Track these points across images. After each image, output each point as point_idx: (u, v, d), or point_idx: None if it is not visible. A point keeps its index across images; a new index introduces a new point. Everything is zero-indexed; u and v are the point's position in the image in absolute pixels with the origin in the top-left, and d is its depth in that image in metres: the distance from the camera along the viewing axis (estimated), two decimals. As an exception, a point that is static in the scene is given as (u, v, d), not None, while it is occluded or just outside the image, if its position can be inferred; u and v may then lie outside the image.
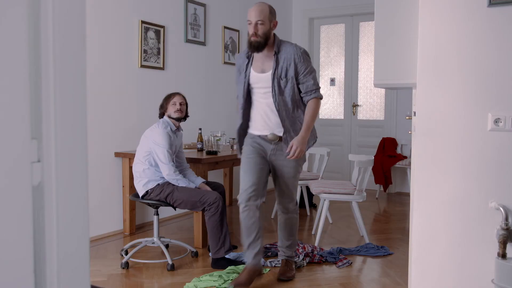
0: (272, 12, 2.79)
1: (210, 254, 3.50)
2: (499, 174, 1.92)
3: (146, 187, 3.38)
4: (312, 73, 2.84)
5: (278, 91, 2.79)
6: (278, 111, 2.81)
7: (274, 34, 2.84)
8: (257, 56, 2.85)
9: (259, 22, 2.70)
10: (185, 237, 4.04)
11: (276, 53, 2.80)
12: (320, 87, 2.90)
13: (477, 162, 1.95)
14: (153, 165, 3.40)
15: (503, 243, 1.85)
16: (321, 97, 2.87)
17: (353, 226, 4.47)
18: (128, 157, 4.07)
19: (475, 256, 1.98)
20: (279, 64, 2.79)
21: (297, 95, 2.85)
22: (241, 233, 2.94)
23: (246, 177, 2.86)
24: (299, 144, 2.77)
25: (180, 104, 3.49)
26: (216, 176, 5.32)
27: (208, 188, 3.49)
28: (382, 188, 6.09)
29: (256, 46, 2.74)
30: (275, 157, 2.94)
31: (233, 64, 5.73)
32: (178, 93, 3.56)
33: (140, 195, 3.42)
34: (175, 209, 3.49)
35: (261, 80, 2.85)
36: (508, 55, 1.89)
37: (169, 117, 3.49)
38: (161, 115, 3.54)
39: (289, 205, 3.08)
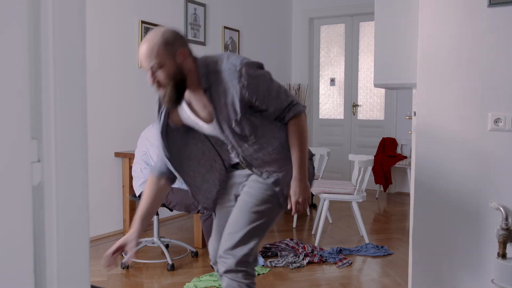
0: (169, 42, 1.71)
1: (210, 254, 3.50)
2: (499, 174, 1.92)
3: (142, 187, 3.38)
4: (273, 90, 1.80)
5: (236, 142, 1.82)
6: (246, 163, 1.87)
7: (194, 60, 1.78)
8: (190, 99, 1.84)
9: (155, 66, 1.71)
10: (185, 237, 4.04)
11: (207, 90, 1.76)
12: (295, 99, 1.87)
13: (477, 162, 1.95)
14: (149, 164, 3.40)
15: (503, 243, 1.85)
16: (303, 111, 1.89)
17: (353, 226, 4.47)
18: (128, 157, 4.07)
19: (475, 256, 1.98)
20: (218, 103, 1.76)
21: (268, 119, 1.87)
22: None
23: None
24: (301, 192, 1.88)
25: None
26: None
27: None
28: (382, 188, 6.09)
29: (170, 100, 1.74)
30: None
31: (233, 64, 5.72)
32: None
33: (137, 194, 3.42)
34: (172, 211, 3.50)
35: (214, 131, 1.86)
36: (508, 55, 1.89)
37: None
38: None
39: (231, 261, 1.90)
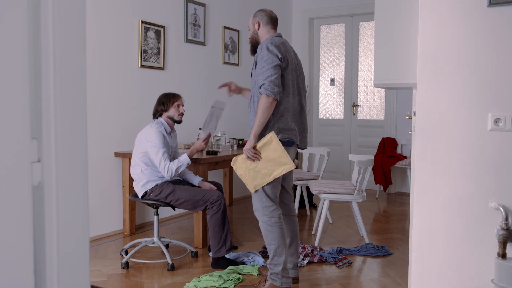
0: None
1: (210, 254, 3.50)
2: (499, 174, 1.92)
3: (144, 187, 3.37)
4: (263, 67, 2.69)
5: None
6: None
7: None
8: None
9: None
10: (185, 237, 4.04)
11: None
12: (267, 82, 2.61)
13: (477, 162, 1.95)
14: (149, 165, 3.38)
15: (503, 243, 1.85)
16: (265, 93, 2.61)
17: (353, 226, 4.47)
18: (128, 157, 4.07)
19: (475, 256, 1.98)
20: None
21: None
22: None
23: None
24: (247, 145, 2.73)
25: (183, 107, 3.51)
26: (216, 176, 5.32)
27: (208, 184, 3.52)
28: (382, 188, 6.08)
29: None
30: None
31: (233, 64, 5.73)
32: (180, 96, 3.54)
33: (140, 195, 3.40)
34: (174, 209, 3.49)
35: None
36: (508, 55, 1.89)
37: (171, 118, 3.47)
38: (159, 114, 3.50)
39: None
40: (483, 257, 1.96)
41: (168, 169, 3.30)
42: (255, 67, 2.72)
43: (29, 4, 0.80)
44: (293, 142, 2.78)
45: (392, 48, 2.16)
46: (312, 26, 6.90)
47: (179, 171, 3.37)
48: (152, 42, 4.50)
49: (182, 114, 3.49)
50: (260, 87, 2.62)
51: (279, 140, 2.67)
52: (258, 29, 2.86)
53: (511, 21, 1.88)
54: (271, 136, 2.66)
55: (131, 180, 4.03)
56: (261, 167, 2.71)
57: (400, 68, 2.15)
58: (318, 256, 3.49)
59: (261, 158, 2.69)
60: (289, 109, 2.72)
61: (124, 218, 4.19)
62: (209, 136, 3.45)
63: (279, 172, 2.69)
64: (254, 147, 2.70)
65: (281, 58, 2.65)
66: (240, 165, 2.79)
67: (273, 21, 2.88)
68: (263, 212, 2.77)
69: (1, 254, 0.77)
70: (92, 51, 3.90)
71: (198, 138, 4.40)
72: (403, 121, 6.26)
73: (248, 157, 2.70)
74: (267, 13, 2.88)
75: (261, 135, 2.70)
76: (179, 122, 3.50)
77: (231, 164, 2.84)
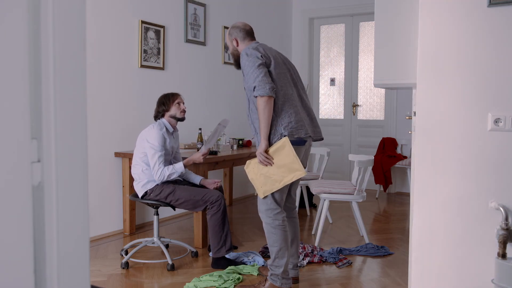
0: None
1: (210, 254, 3.50)
2: (499, 174, 1.92)
3: (145, 187, 3.37)
4: (249, 72, 2.71)
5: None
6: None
7: None
8: None
9: None
10: (185, 237, 4.05)
11: None
12: (258, 84, 2.62)
13: (477, 162, 1.95)
14: (150, 165, 3.39)
15: (503, 243, 1.85)
16: (259, 94, 2.61)
17: (353, 226, 4.47)
18: (128, 157, 4.07)
19: (475, 256, 1.98)
20: None
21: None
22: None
23: None
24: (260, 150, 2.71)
25: (183, 104, 3.52)
26: (216, 176, 5.32)
27: (211, 181, 3.53)
28: (382, 188, 6.09)
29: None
30: None
31: (233, 64, 5.72)
32: (179, 94, 3.55)
33: (140, 195, 3.40)
34: (174, 209, 3.49)
35: None
36: (508, 55, 1.89)
37: (173, 117, 3.47)
38: (162, 115, 3.50)
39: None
40: (483, 257, 1.96)
41: (160, 173, 3.31)
42: (244, 77, 2.75)
43: (29, 4, 0.80)
44: (305, 141, 2.74)
45: (392, 48, 2.16)
46: (312, 26, 6.90)
47: (171, 178, 3.36)
48: (152, 42, 4.51)
49: (184, 111, 3.50)
50: (253, 91, 2.63)
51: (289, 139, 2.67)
52: (237, 46, 2.91)
53: (511, 21, 1.88)
54: (284, 141, 2.63)
55: (131, 180, 4.03)
56: (272, 172, 2.68)
57: (400, 68, 2.15)
58: (318, 256, 3.49)
59: (273, 163, 2.68)
60: (284, 102, 2.70)
61: (124, 218, 4.19)
62: (208, 150, 3.53)
63: (289, 178, 2.67)
64: (266, 151, 2.68)
65: (261, 55, 2.67)
66: (253, 169, 2.77)
67: (249, 34, 2.91)
68: (267, 214, 2.77)
69: (1, 254, 0.77)
70: (92, 51, 3.90)
71: (197, 140, 4.41)
72: (403, 121, 6.26)
73: (260, 161, 2.69)
74: (242, 29, 2.90)
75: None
76: (182, 119, 3.50)
77: (244, 168, 2.82)
